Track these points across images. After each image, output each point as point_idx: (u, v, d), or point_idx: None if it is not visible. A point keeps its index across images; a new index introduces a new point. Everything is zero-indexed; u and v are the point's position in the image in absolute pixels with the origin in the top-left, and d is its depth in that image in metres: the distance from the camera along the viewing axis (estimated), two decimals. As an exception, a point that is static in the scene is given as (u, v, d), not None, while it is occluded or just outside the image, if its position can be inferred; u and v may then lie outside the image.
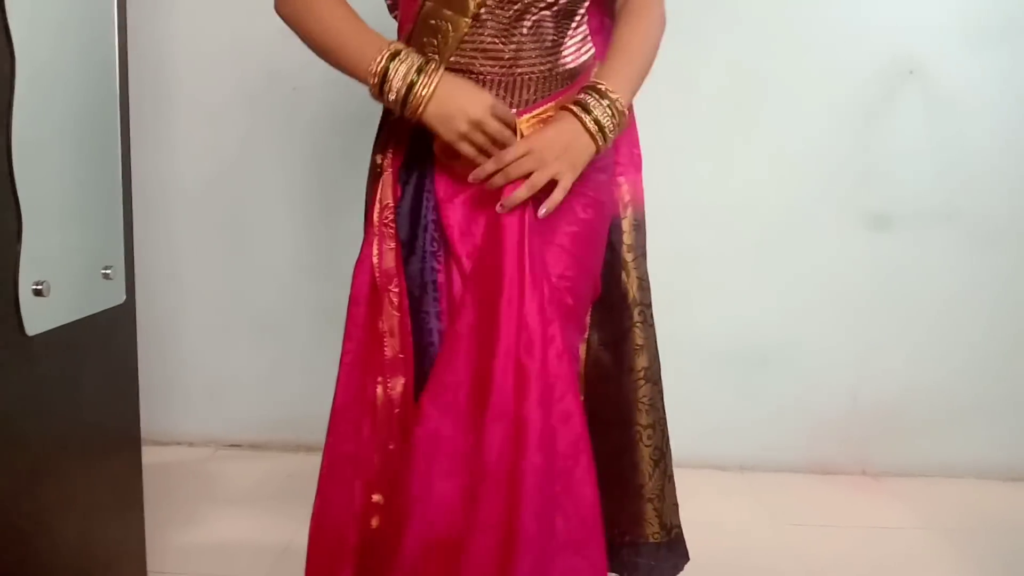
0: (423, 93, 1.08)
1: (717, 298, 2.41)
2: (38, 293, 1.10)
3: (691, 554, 1.42)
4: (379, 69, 1.09)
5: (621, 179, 1.36)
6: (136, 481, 1.45)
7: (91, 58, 1.24)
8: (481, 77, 1.17)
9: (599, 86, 1.15)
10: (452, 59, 1.15)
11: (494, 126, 1.09)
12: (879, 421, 2.48)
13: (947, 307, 2.44)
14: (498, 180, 1.10)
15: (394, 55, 1.09)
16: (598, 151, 1.15)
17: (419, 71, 1.09)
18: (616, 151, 1.34)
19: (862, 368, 2.48)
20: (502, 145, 1.10)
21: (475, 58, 1.16)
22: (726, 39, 2.32)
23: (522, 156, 1.09)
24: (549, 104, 1.20)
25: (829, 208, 2.41)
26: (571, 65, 1.23)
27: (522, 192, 1.09)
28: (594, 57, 1.28)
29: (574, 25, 1.22)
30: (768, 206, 2.41)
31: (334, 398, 1.23)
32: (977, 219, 2.40)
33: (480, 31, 1.15)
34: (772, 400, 2.48)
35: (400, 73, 1.09)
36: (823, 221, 2.42)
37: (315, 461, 2.50)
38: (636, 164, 1.39)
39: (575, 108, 1.13)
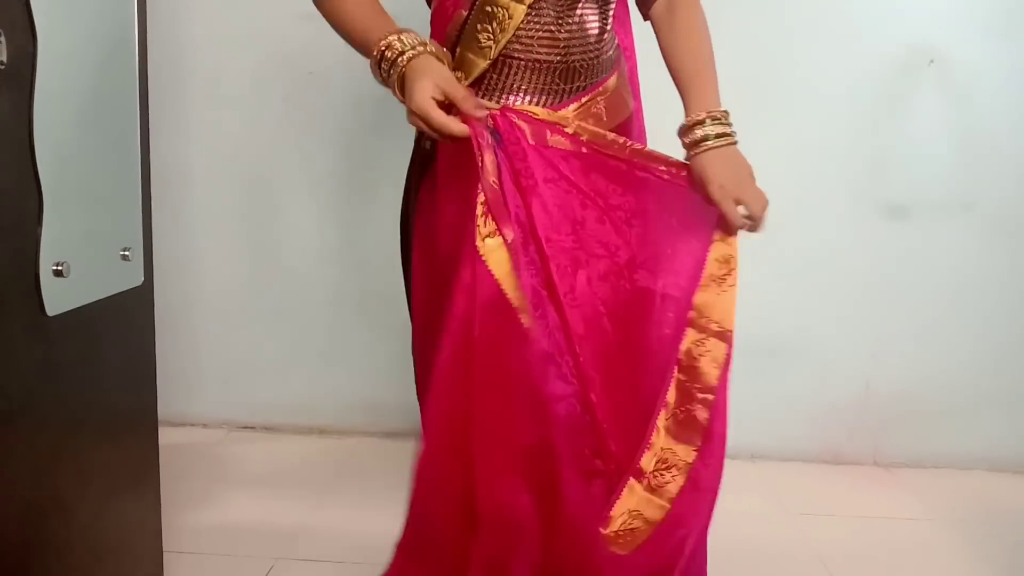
0: (400, 65, 1.11)
1: (731, 287, 2.41)
2: (58, 274, 1.10)
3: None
4: (384, 46, 1.13)
5: None
6: (153, 461, 1.46)
7: (110, 41, 1.24)
8: (538, 64, 1.20)
9: (715, 114, 1.21)
10: (509, 46, 1.17)
11: (434, 117, 1.09)
12: (891, 411, 2.48)
13: (962, 298, 2.43)
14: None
15: (400, 37, 1.13)
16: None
17: (404, 52, 1.12)
18: None
19: (875, 358, 2.47)
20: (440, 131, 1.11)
21: (531, 45, 1.19)
22: (742, 27, 2.30)
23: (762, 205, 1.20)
24: (597, 90, 1.25)
25: (845, 197, 2.41)
26: (609, 54, 1.27)
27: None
28: (619, 48, 1.33)
29: (610, 15, 1.26)
30: (784, 195, 2.37)
31: (433, 394, 1.14)
32: (994, 209, 2.39)
33: (536, 18, 1.18)
34: (783, 389, 2.48)
35: (395, 49, 1.12)
36: (839, 210, 2.41)
37: (327, 444, 2.54)
38: None
39: (724, 139, 1.20)
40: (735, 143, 1.22)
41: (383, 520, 1.68)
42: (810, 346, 2.48)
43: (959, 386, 2.46)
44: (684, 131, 1.22)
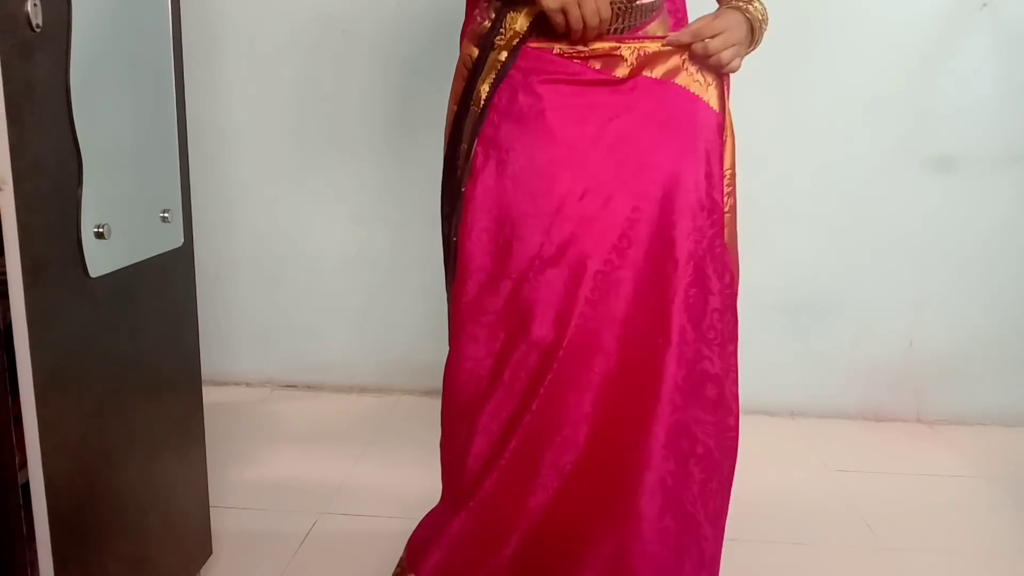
0: None
1: (773, 243, 2.38)
2: (100, 236, 1.12)
3: (741, 499, 1.42)
4: None
5: None
6: (197, 419, 1.48)
7: (144, 2, 1.24)
8: None
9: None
10: None
11: (591, 6, 1.16)
12: (935, 368, 2.44)
13: (1008, 253, 2.37)
14: (700, 48, 1.22)
15: None
16: (750, 46, 1.29)
17: None
18: None
19: (919, 314, 2.43)
20: (590, 31, 1.19)
21: None
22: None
23: (720, 32, 1.21)
24: (636, 34, 1.28)
25: (890, 150, 2.35)
26: (646, 1, 1.30)
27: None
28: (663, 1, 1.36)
29: None
30: (827, 148, 2.35)
31: None
32: (1046, 162, 2.32)
33: None
34: (826, 345, 2.46)
35: None
36: (883, 164, 2.35)
37: (367, 402, 2.56)
38: None
39: (738, 4, 1.25)
40: (750, 15, 1.25)
41: (423, 476, 1.71)
42: (853, 302, 2.44)
43: (1004, 343, 2.41)
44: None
